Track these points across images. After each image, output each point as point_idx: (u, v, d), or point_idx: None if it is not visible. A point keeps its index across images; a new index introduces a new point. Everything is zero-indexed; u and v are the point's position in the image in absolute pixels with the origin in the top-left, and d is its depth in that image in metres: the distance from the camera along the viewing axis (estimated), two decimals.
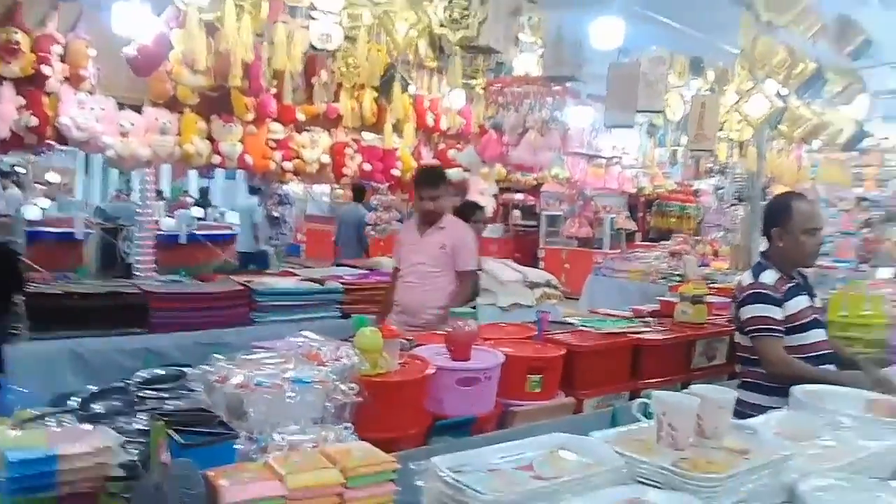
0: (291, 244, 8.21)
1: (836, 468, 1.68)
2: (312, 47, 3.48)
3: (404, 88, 3.89)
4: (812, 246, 2.75)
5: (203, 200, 13.99)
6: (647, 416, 1.76)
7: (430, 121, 5.31)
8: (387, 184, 5.72)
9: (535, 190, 12.45)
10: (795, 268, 2.81)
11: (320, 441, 1.56)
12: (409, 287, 3.84)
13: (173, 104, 4.42)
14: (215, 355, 1.81)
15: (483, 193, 5.84)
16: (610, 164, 7.98)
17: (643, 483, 1.51)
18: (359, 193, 8.12)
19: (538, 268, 9.89)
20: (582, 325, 3.11)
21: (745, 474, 1.53)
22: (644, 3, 3.95)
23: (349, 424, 1.83)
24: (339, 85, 4.42)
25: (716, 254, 6.54)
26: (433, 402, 2.27)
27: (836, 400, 2.22)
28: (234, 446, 1.52)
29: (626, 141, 7.36)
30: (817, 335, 2.73)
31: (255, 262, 7.22)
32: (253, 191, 7.87)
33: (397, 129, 5.25)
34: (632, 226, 10.62)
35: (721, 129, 4.41)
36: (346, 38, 3.54)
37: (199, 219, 11.49)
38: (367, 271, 5.45)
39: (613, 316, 3.60)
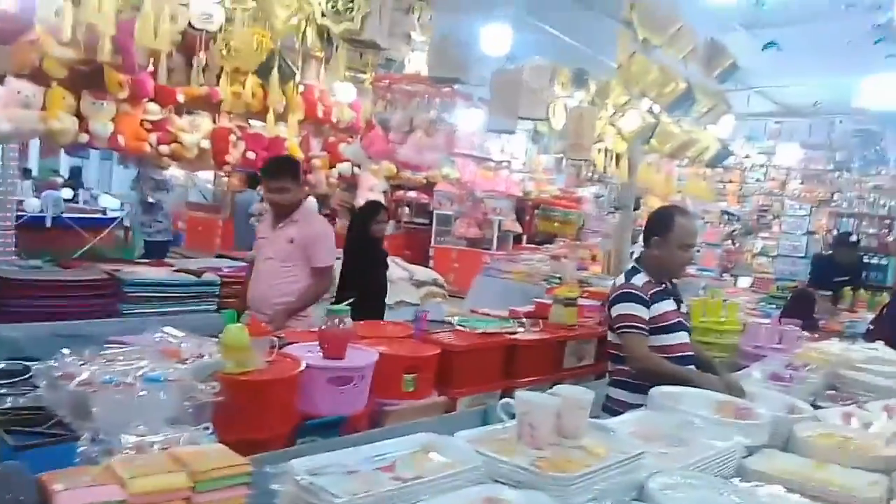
0: (169, 232, 7.80)
1: (684, 466, 1.78)
2: (192, 27, 3.31)
3: (289, 77, 3.78)
4: (685, 259, 2.95)
5: (74, 181, 13.09)
6: (512, 415, 1.79)
7: (319, 112, 5.21)
8: None
9: (429, 188, 12.53)
10: (666, 276, 2.97)
11: (172, 443, 1.47)
12: (257, 281, 3.72)
13: (40, 77, 4.10)
14: (63, 350, 1.69)
15: (373, 189, 5.80)
16: (499, 168, 8.15)
17: (502, 483, 1.54)
18: (253, 181, 7.71)
19: (429, 266, 9.97)
20: (459, 325, 3.15)
21: (597, 473, 1.58)
22: (537, 15, 4.06)
23: (209, 425, 1.75)
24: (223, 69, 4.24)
25: (594, 258, 6.83)
26: (304, 401, 2.22)
27: (689, 401, 2.36)
28: (79, 449, 1.42)
29: (514, 146, 7.55)
30: (680, 338, 2.90)
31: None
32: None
33: (284, 118, 5.12)
34: (517, 228, 10.90)
35: (600, 141, 4.61)
36: (229, 20, 3.39)
37: (69, 200, 10.76)
38: (248, 264, 5.26)
39: (492, 316, 3.67)
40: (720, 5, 4.44)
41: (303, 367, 2.14)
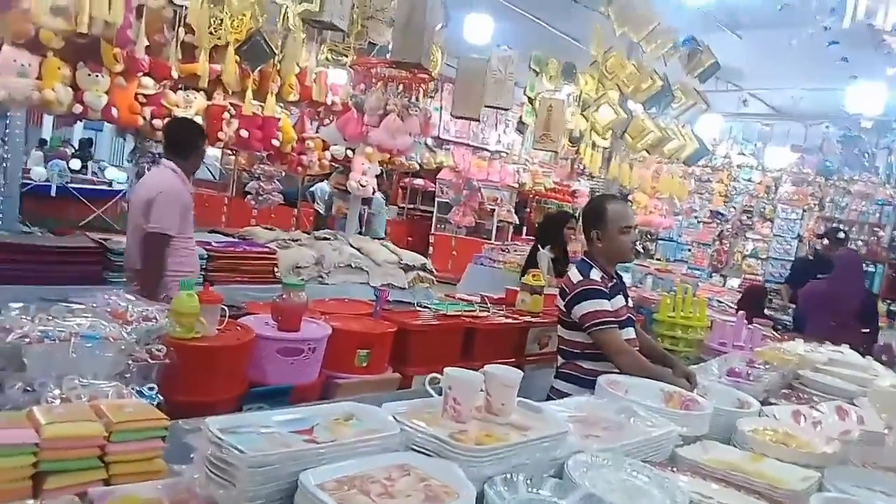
0: None
1: (607, 449, 1.82)
2: (171, 2, 3.36)
3: (270, 57, 3.83)
4: (628, 242, 2.92)
5: (84, 153, 13.21)
6: (440, 391, 1.84)
7: (315, 94, 5.25)
8: (265, 153, 5.62)
9: (435, 176, 12.59)
10: (615, 264, 2.98)
11: (100, 396, 1.54)
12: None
13: (37, 47, 4.16)
14: (11, 304, 1.76)
15: (365, 173, 5.85)
16: (493, 158, 8.17)
17: (417, 452, 1.59)
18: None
19: (428, 253, 10.03)
20: (422, 306, 3.20)
21: (513, 447, 1.62)
22: (525, 5, 4.06)
23: (153, 385, 1.83)
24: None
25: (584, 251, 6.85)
26: (254, 370, 2.29)
27: (637, 390, 2.40)
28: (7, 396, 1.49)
29: (510, 136, 7.57)
30: (629, 333, 2.92)
31: None
32: None
33: (281, 98, 5.16)
34: (514, 219, 10.96)
35: (588, 135, 4.63)
36: None
37: (77, 171, 10.87)
38: (238, 240, 5.35)
39: (465, 300, 3.72)
40: (704, 5, 4.44)
41: (252, 336, 2.21)
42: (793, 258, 9.62)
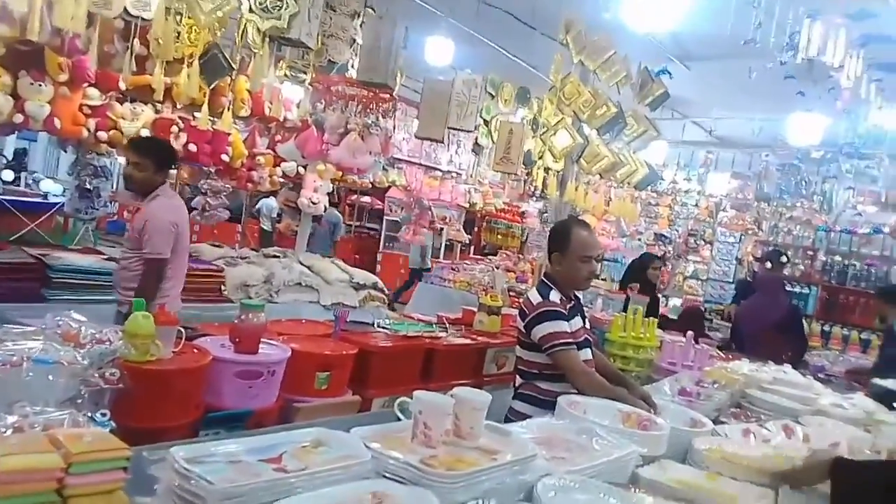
0: (112, 221, 7.61)
1: (575, 471, 1.83)
2: (127, 12, 3.26)
3: (227, 72, 3.76)
4: (587, 271, 2.91)
5: (17, 164, 12.65)
6: (407, 414, 1.82)
7: (267, 110, 5.18)
8: (214, 168, 5.50)
9: (382, 194, 12.55)
10: (572, 289, 3.00)
11: (55, 425, 1.46)
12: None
13: None
14: None
15: (317, 190, 5.77)
16: (446, 178, 8.23)
17: (390, 479, 1.56)
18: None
19: (375, 271, 9.95)
20: (381, 327, 3.17)
21: (484, 472, 1.61)
22: (485, 31, 4.11)
23: (106, 411, 1.74)
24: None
25: (533, 271, 6.97)
26: (211, 394, 2.21)
27: (595, 411, 2.43)
28: None
29: (462, 157, 7.64)
30: (586, 354, 2.94)
31: None
32: None
33: (233, 113, 5.07)
34: (463, 238, 11.03)
35: (540, 158, 4.71)
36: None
37: (10, 183, 10.40)
38: None
39: (421, 321, 3.70)
40: (654, 35, 4.63)
41: (209, 359, 2.14)
42: (731, 279, 10.04)
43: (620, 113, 4.53)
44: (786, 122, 6.65)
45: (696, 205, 11.83)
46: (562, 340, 2.77)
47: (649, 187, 8.46)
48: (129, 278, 3.48)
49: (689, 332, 3.67)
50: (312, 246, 9.51)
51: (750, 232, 10.80)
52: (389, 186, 9.72)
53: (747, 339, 5.65)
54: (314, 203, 5.80)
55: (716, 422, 2.67)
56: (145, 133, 4.68)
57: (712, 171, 11.05)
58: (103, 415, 1.71)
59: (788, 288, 7.30)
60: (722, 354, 3.79)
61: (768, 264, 6.72)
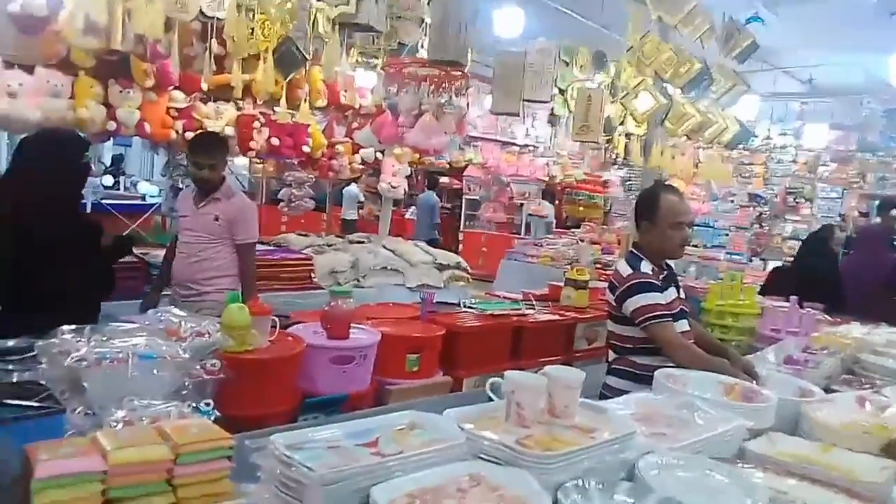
0: None
1: (677, 448, 1.76)
2: (202, 13, 3.35)
3: (301, 63, 3.81)
4: (679, 239, 2.79)
5: (115, 169, 13.42)
6: (499, 394, 1.80)
7: (342, 98, 5.23)
8: (297, 160, 5.63)
9: (460, 173, 12.56)
10: (664, 259, 2.88)
11: (162, 417, 1.52)
12: (181, 259, 3.70)
13: (69, 66, 4.21)
14: (63, 327, 1.75)
15: (396, 174, 5.82)
16: (523, 152, 8.09)
17: (486, 460, 1.55)
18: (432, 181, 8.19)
19: (458, 250, 9.99)
20: (467, 307, 3.16)
21: (583, 451, 1.57)
22: None
23: (209, 401, 1.81)
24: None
25: (620, 242, 6.77)
26: (306, 380, 2.26)
27: (696, 384, 2.33)
28: (68, 422, 1.47)
29: (539, 129, 7.49)
30: (683, 326, 2.82)
31: None
32: None
33: (310, 104, 5.16)
34: (543, 212, 10.86)
35: (621, 124, 4.53)
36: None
37: (110, 187, 11.07)
38: (273, 248, 5.36)
39: (506, 298, 3.67)
40: None
41: (304, 346, 2.18)
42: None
43: (706, 68, 4.27)
44: (888, 64, 6.12)
45: (794, 160, 11.09)
46: (657, 312, 2.67)
47: (741, 145, 7.97)
48: (216, 268, 3.58)
49: (793, 297, 3.47)
50: (418, 233, 10.05)
51: (854, 185, 10.08)
52: (467, 165, 9.70)
53: (850, 300, 5.28)
54: (394, 187, 5.86)
55: (827, 390, 2.52)
56: (230, 131, 4.83)
57: (809, 123, 10.34)
58: (207, 405, 1.78)
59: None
60: (829, 318, 3.56)
61: (877, 219, 6.24)
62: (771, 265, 7.90)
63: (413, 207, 13.71)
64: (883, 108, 9.02)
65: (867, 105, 9.12)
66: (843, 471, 1.79)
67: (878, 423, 2.12)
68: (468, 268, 6.08)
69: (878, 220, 6.28)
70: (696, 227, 10.53)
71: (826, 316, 3.61)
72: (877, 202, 7.44)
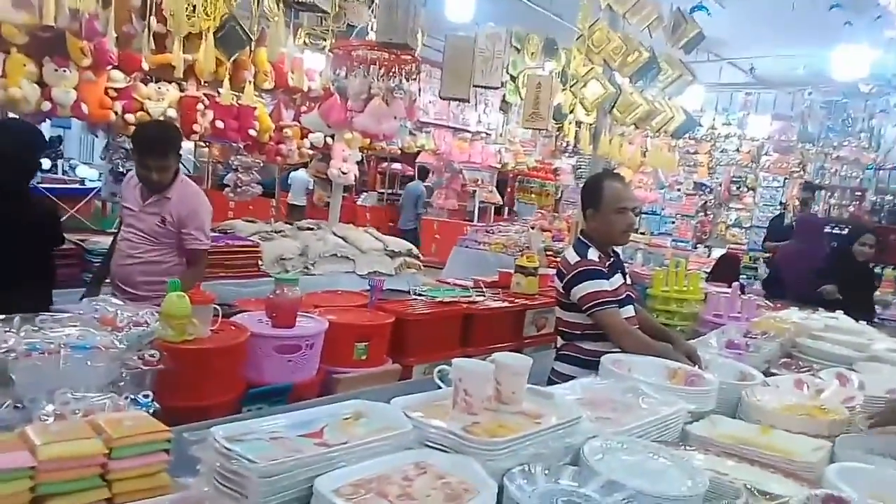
0: None
1: (622, 431, 1.79)
2: None
3: (246, 44, 3.69)
4: (623, 224, 2.82)
5: (53, 152, 12.90)
6: (447, 382, 1.79)
7: (290, 81, 5.12)
8: (243, 143, 5.49)
9: (412, 160, 12.51)
10: (610, 245, 2.92)
11: (96, 410, 1.46)
12: (119, 255, 3.33)
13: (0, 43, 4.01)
14: None
15: (346, 160, 5.74)
16: (475, 139, 8.08)
17: (432, 448, 1.54)
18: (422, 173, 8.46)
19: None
20: (417, 294, 3.14)
21: (529, 437, 1.57)
22: None
23: (148, 392, 1.75)
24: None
25: (569, 230, 6.86)
26: (251, 370, 2.22)
27: (641, 369, 2.37)
28: None
29: (491, 116, 7.49)
30: (628, 311, 2.86)
31: None
32: None
33: (256, 86, 5.03)
34: (497, 200, 10.91)
35: (572, 111, 4.57)
36: None
37: (47, 171, 10.63)
38: (219, 234, 5.23)
39: (459, 285, 3.66)
40: None
41: (247, 335, 2.13)
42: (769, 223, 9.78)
43: (653, 58, 4.34)
44: (830, 57, 6.33)
45: (738, 150, 11.40)
46: (603, 299, 2.71)
47: (687, 135, 8.15)
48: (161, 272, 3.14)
49: (735, 283, 3.56)
50: (402, 220, 10.15)
51: (794, 175, 10.41)
52: (419, 151, 9.66)
53: (788, 285, 5.46)
54: (344, 173, 5.77)
55: (766, 374, 2.60)
56: (173, 113, 4.67)
57: (753, 114, 10.61)
58: (146, 397, 1.72)
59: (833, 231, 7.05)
60: (769, 303, 3.67)
61: (804, 204, 6.50)
62: (716, 252, 8.17)
63: (365, 194, 13.62)
64: (823, 100, 9.33)
65: (808, 97, 9.43)
66: (781, 452, 1.84)
67: (815, 406, 2.20)
68: (420, 255, 6.05)
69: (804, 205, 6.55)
70: (643, 215, 10.75)
71: (766, 301, 3.72)
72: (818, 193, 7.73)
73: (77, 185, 10.22)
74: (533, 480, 1.47)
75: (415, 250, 6.00)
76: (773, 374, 2.65)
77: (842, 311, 3.49)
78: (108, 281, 3.48)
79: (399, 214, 11.94)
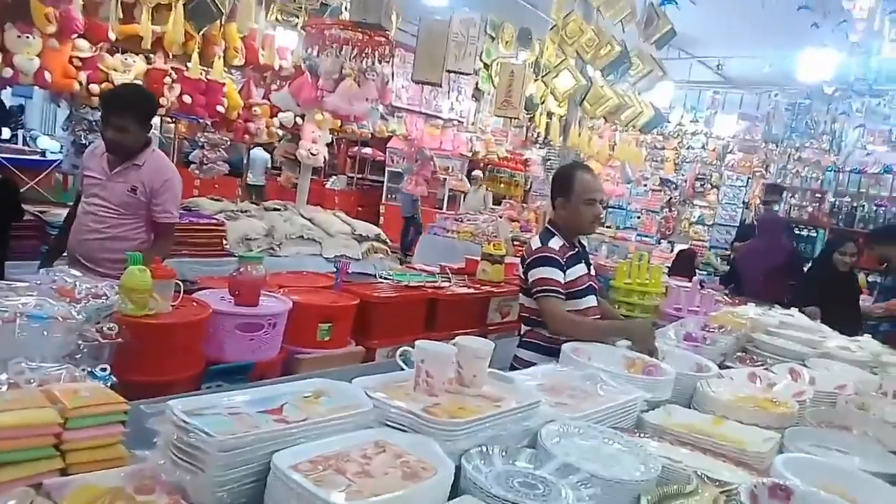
0: None
1: (579, 417, 1.82)
2: None
3: (216, 17, 3.62)
4: (591, 215, 2.87)
5: (13, 122, 12.52)
6: (410, 364, 1.80)
7: (262, 58, 5.05)
8: (210, 120, 5.40)
9: (384, 145, 12.44)
10: (577, 235, 2.96)
11: (52, 380, 1.44)
12: (81, 229, 3.17)
13: None
14: None
15: (316, 141, 5.68)
16: (447, 126, 8.08)
17: (392, 427, 1.55)
18: None
19: (378, 223, 9.93)
20: (383, 278, 3.14)
21: (488, 419, 1.59)
22: None
23: (105, 366, 1.73)
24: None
25: (537, 221, 6.91)
26: (212, 348, 2.20)
27: (600, 357, 2.42)
28: None
29: (464, 104, 7.49)
30: (590, 301, 2.90)
31: None
32: None
33: (226, 62, 4.95)
34: (466, 188, 10.94)
35: (543, 102, 4.59)
36: None
37: (6, 140, 10.33)
38: (183, 212, 5.14)
39: (425, 271, 3.67)
40: None
41: (209, 312, 2.11)
42: (738, 223, 9.93)
43: (625, 52, 4.39)
44: (796, 60, 6.46)
45: (704, 148, 11.59)
46: (549, 287, 2.73)
47: (655, 130, 8.27)
48: (123, 249, 2.75)
49: (696, 278, 3.64)
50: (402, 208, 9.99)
51: (758, 174, 10.62)
52: (390, 137, 9.61)
53: (746, 282, 5.59)
54: (313, 154, 5.71)
55: (721, 367, 2.66)
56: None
57: (720, 113, 10.79)
58: (103, 370, 1.70)
59: (794, 231, 7.22)
60: (728, 299, 3.76)
61: (766, 205, 6.65)
62: (678, 248, 8.34)
63: (334, 177, 13.51)
64: (787, 102, 9.54)
65: (774, 98, 9.61)
66: (733, 441, 1.90)
67: (766, 398, 2.26)
68: (388, 240, 6.04)
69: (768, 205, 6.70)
70: (610, 210, 10.87)
71: (725, 297, 3.80)
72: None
73: (38, 157, 9.91)
74: (490, 462, 1.50)
75: (383, 235, 5.98)
76: (728, 367, 2.72)
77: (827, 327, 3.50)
78: (64, 256, 3.30)
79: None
